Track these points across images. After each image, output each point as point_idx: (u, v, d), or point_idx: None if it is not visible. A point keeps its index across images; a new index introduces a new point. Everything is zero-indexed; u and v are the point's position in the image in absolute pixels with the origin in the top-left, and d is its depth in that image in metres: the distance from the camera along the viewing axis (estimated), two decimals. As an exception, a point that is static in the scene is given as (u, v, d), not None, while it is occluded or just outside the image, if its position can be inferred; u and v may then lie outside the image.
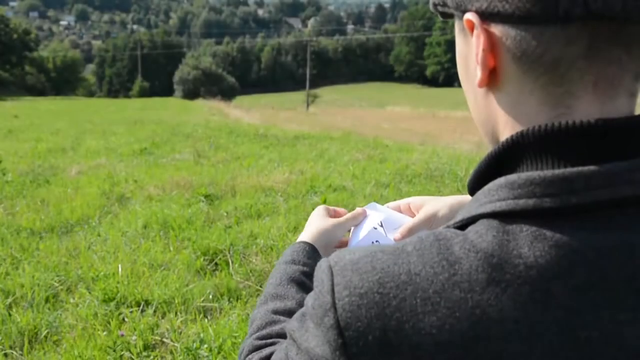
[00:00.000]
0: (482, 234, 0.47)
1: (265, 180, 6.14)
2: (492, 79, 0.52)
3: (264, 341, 0.70)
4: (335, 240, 0.90)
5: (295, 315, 0.55)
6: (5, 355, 2.69)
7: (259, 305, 0.78)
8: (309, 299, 0.52)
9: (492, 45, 0.50)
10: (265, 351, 0.66)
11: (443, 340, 0.44)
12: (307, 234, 0.89)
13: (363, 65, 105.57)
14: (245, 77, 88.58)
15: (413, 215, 0.90)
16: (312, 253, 0.85)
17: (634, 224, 0.46)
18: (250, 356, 0.67)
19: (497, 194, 0.49)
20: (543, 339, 0.44)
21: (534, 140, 0.48)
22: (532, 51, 0.47)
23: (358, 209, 0.92)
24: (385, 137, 13.08)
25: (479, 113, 0.57)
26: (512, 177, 0.48)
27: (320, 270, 0.51)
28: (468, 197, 0.85)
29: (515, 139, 0.50)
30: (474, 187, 0.54)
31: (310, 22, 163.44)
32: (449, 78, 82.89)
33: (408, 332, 0.45)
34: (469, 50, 0.54)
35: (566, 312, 0.44)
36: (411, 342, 0.45)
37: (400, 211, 0.92)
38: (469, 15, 0.50)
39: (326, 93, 66.77)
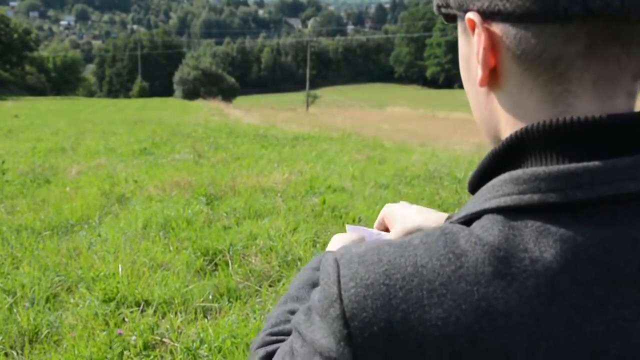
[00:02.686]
0: (488, 228, 0.47)
1: (265, 181, 6.14)
2: (492, 78, 0.52)
3: (275, 337, 0.70)
4: None
5: (301, 309, 0.55)
6: (6, 355, 2.69)
7: (278, 305, 0.79)
8: (315, 293, 0.52)
9: (492, 44, 0.50)
10: (274, 346, 0.67)
11: (448, 332, 0.44)
12: (334, 247, 0.88)
13: (363, 65, 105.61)
14: (245, 78, 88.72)
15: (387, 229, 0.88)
16: None
17: (638, 219, 0.46)
18: (258, 350, 0.68)
19: (502, 189, 0.49)
20: (548, 333, 0.44)
21: (538, 136, 0.49)
22: (532, 49, 0.48)
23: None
24: (385, 138, 13.09)
25: (481, 112, 0.57)
26: (516, 172, 0.49)
27: (327, 264, 0.51)
28: (432, 212, 0.82)
29: (519, 135, 0.50)
30: (475, 185, 0.54)
31: (310, 22, 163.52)
32: (449, 79, 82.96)
33: (414, 323, 0.45)
34: (471, 51, 0.54)
35: (571, 307, 0.44)
36: (417, 334, 0.45)
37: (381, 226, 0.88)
38: (471, 15, 0.50)
39: (326, 93, 66.81)
